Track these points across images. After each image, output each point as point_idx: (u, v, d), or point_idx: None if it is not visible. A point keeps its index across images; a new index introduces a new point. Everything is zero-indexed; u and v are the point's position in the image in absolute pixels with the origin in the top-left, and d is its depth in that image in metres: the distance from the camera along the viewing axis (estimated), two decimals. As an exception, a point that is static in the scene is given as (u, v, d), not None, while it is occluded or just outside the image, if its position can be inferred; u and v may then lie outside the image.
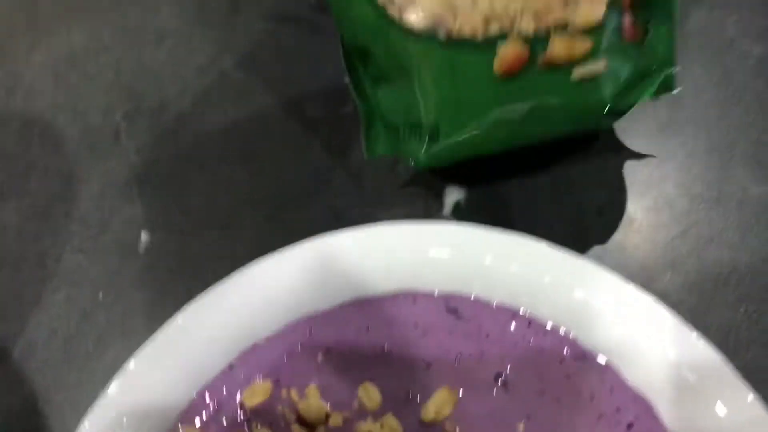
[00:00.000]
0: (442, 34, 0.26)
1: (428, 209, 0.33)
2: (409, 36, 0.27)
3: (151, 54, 0.42)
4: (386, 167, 0.34)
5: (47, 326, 0.33)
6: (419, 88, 0.28)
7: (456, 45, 0.26)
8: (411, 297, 0.26)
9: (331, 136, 0.36)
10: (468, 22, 0.26)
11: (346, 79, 0.38)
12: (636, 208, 0.32)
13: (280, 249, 0.26)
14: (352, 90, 0.30)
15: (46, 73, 0.43)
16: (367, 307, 0.26)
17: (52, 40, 0.44)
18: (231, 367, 0.25)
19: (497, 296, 0.25)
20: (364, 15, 0.27)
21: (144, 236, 0.34)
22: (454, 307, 0.25)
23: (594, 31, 0.26)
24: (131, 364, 0.24)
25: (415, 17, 0.26)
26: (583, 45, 0.26)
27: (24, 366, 0.32)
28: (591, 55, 0.26)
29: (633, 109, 0.28)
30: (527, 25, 0.26)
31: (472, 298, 0.25)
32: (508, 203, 0.32)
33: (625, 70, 0.27)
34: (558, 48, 0.26)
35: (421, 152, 0.28)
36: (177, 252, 0.34)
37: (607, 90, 0.27)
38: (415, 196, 0.33)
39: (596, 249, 0.31)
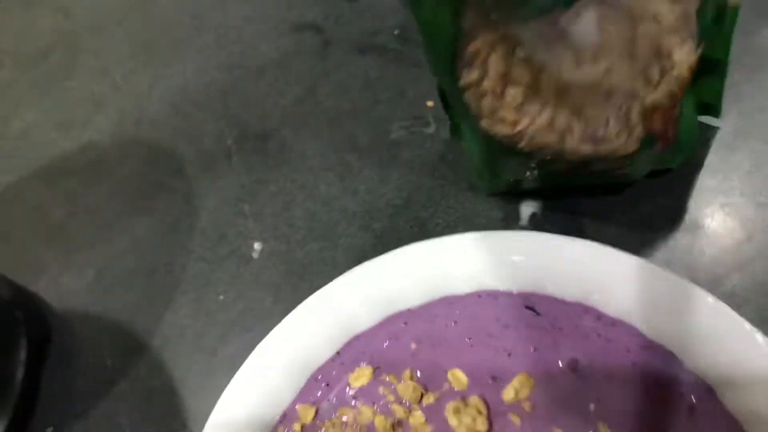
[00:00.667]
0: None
1: (507, 221, 0.36)
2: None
3: (254, 85, 0.48)
4: (467, 184, 0.38)
5: (178, 324, 0.38)
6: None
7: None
8: (493, 295, 0.29)
9: (414, 155, 0.40)
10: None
11: (428, 103, 0.42)
12: (702, 214, 0.34)
13: (378, 256, 0.31)
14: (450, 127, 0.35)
15: (165, 105, 0.49)
16: (454, 304, 0.29)
17: (169, 76, 0.51)
18: (338, 354, 0.30)
19: (570, 294, 0.28)
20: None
21: (257, 246, 0.40)
22: (531, 304, 0.29)
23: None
24: (253, 355, 0.29)
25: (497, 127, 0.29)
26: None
27: (162, 356, 0.37)
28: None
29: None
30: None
31: (547, 296, 0.28)
32: (580, 213, 0.35)
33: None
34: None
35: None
36: (285, 259, 0.39)
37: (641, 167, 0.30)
38: (495, 209, 0.37)
39: (664, 252, 0.33)
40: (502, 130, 0.28)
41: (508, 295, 0.29)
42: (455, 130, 0.37)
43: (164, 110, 0.49)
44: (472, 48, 0.26)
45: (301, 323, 0.30)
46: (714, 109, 0.32)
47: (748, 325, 0.24)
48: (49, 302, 0.42)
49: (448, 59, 0.26)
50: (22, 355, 0.37)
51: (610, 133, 0.27)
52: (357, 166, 0.41)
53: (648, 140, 0.27)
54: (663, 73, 0.26)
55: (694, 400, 0.25)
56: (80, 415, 0.37)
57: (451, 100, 0.31)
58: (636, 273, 0.27)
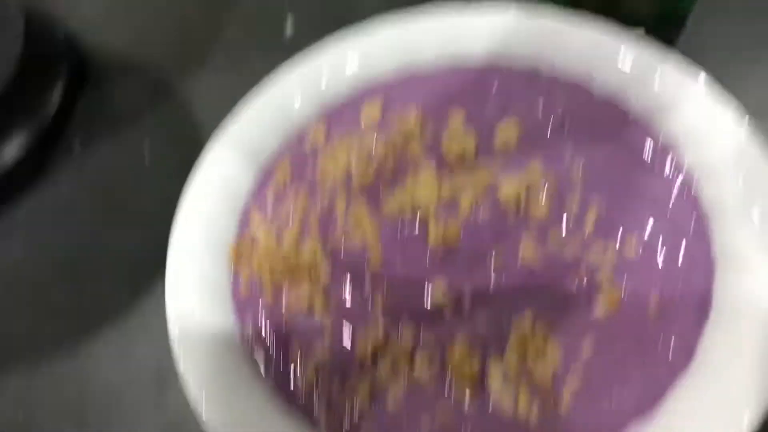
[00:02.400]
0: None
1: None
2: None
3: None
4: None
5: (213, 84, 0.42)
6: None
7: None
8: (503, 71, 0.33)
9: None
10: None
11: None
12: None
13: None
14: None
15: None
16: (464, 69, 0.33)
17: None
18: (352, 98, 0.33)
19: (574, 68, 0.31)
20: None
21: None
22: (536, 71, 0.32)
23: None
24: (275, 79, 0.33)
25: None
26: None
27: (191, 99, 0.41)
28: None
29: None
30: None
31: (552, 66, 0.32)
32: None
33: None
34: None
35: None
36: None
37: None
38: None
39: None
40: None
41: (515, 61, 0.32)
42: None
43: None
44: None
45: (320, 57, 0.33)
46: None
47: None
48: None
49: None
50: (63, 76, 0.41)
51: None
52: None
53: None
54: None
55: (659, 162, 0.28)
56: (107, 137, 0.41)
57: None
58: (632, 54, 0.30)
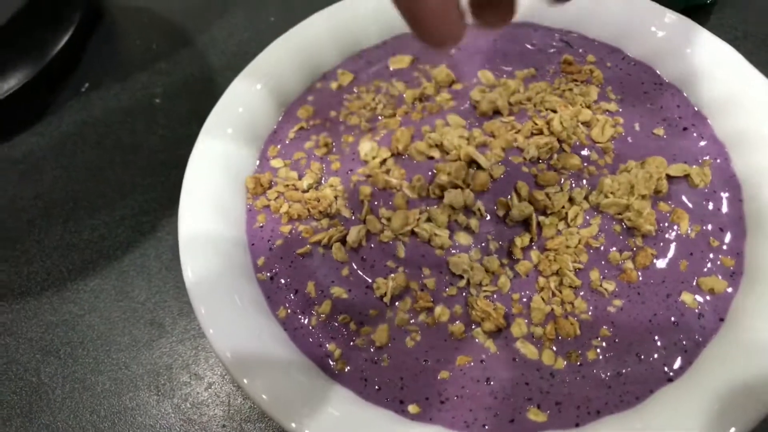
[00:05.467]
0: None
1: None
2: None
3: None
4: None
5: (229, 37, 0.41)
6: None
7: None
8: (532, 27, 0.32)
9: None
10: None
11: None
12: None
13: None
14: None
15: None
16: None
17: None
18: (384, 43, 0.32)
19: (602, 36, 0.31)
20: None
21: None
22: (566, 39, 0.32)
23: None
24: (302, 24, 0.32)
25: None
26: None
27: (208, 49, 0.40)
28: None
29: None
30: None
31: (581, 34, 0.31)
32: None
33: None
34: None
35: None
36: None
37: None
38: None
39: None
40: None
41: (547, 29, 0.32)
42: None
43: None
44: None
45: (354, 5, 0.32)
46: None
47: (745, 62, 0.27)
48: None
49: None
50: (76, 14, 0.40)
51: None
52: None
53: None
54: None
55: (687, 125, 0.28)
56: (118, 79, 0.39)
57: None
58: (661, 21, 0.30)
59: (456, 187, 0.26)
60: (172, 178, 0.35)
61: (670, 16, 0.30)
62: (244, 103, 0.29)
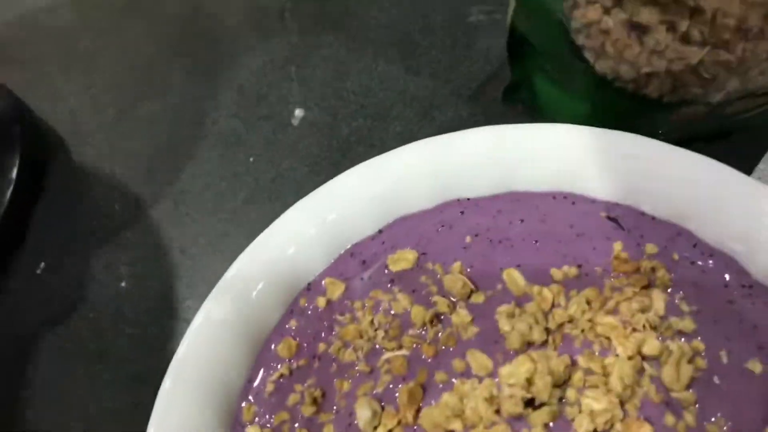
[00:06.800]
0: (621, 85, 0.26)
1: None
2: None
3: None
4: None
5: (200, 181, 0.35)
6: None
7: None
8: (570, 199, 0.25)
9: (491, 44, 0.35)
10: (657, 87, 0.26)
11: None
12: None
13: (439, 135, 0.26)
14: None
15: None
16: (522, 201, 0.25)
17: None
18: (380, 232, 0.26)
19: (662, 211, 0.24)
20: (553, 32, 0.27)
21: (298, 112, 0.36)
22: (615, 215, 0.24)
23: None
24: (281, 219, 0.25)
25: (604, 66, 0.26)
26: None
27: (177, 211, 0.34)
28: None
29: None
30: None
31: (634, 209, 0.24)
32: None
33: None
34: None
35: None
36: (329, 133, 0.35)
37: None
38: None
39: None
40: (626, 71, 0.25)
41: (588, 201, 0.25)
42: (514, 89, 0.32)
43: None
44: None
45: (341, 192, 0.26)
46: None
47: None
48: (61, 135, 0.38)
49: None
50: (14, 173, 0.34)
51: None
52: (424, 45, 0.36)
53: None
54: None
55: (796, 355, 0.21)
56: (78, 255, 0.33)
57: (543, 41, 0.27)
58: (749, 196, 0.22)
59: (486, 495, 0.19)
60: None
61: (766, 190, 0.22)
62: (209, 347, 0.23)
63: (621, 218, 0.24)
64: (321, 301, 0.25)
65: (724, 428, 0.20)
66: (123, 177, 0.35)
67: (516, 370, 0.20)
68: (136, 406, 0.29)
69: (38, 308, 0.32)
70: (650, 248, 0.23)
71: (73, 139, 0.37)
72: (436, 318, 0.23)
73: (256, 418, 0.23)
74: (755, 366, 0.21)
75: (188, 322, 0.25)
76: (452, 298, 0.24)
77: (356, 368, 0.23)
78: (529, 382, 0.20)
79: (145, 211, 0.34)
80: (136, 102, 0.38)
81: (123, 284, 0.32)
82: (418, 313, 0.23)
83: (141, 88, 0.38)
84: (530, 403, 0.20)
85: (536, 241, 0.24)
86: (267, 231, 0.25)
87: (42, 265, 0.33)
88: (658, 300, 0.22)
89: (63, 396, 0.29)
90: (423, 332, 0.23)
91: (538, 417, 0.20)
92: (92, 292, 0.32)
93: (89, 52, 0.41)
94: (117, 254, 0.33)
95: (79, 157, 0.36)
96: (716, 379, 0.21)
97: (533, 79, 0.31)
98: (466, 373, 0.22)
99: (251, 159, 0.34)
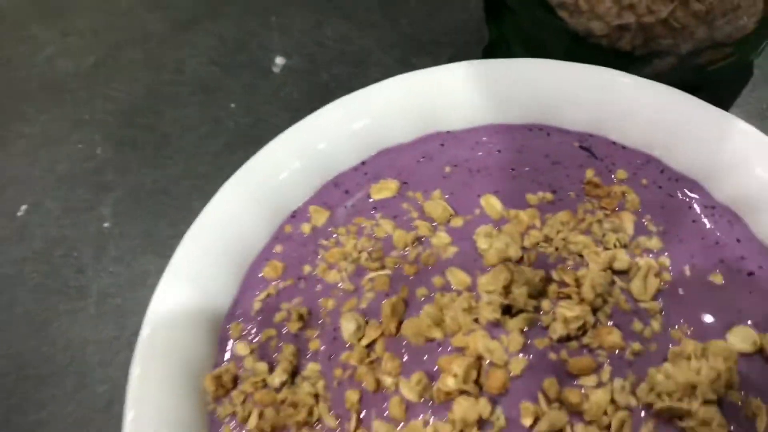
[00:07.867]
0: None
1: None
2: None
3: None
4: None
5: (181, 124, 0.35)
6: None
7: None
8: (545, 130, 0.26)
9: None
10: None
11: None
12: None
13: (424, 69, 0.27)
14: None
15: None
16: (501, 133, 0.26)
17: None
18: (363, 163, 0.26)
19: (632, 140, 0.25)
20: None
21: (278, 60, 0.36)
22: (587, 145, 0.25)
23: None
24: (262, 152, 0.26)
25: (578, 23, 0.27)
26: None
27: (158, 152, 0.34)
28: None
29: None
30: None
31: (606, 139, 0.25)
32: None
33: None
34: None
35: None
36: (308, 79, 0.35)
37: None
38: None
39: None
40: (599, 27, 0.26)
41: (562, 132, 0.26)
42: (495, 46, 0.33)
43: None
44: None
45: (323, 125, 0.26)
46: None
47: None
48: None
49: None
50: None
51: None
52: (404, -7, 0.37)
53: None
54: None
55: (754, 268, 0.22)
56: (60, 196, 0.33)
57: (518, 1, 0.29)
58: (713, 124, 0.24)
59: (465, 393, 0.20)
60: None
61: (728, 119, 0.23)
62: (195, 270, 0.24)
63: (593, 147, 0.25)
64: (306, 228, 0.25)
65: (687, 333, 0.21)
66: (104, 119, 0.35)
67: (494, 278, 0.21)
68: (117, 338, 0.29)
69: (19, 247, 0.32)
70: (621, 174, 0.25)
71: (52, 82, 0.37)
72: (417, 240, 0.24)
73: (243, 334, 0.24)
74: (716, 278, 0.22)
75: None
76: (433, 223, 0.25)
77: (340, 287, 0.24)
78: (506, 290, 0.21)
79: (127, 155, 0.34)
80: (115, 50, 0.38)
81: (106, 225, 0.32)
82: (399, 236, 0.24)
83: (119, 34, 0.38)
84: (507, 311, 0.21)
85: (513, 169, 0.25)
86: (252, 160, 0.26)
87: (23, 207, 0.33)
88: (628, 221, 0.24)
89: (46, 327, 0.29)
90: (405, 253, 0.24)
91: (515, 323, 0.21)
92: (74, 232, 0.32)
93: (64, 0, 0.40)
94: (99, 196, 0.33)
95: (59, 103, 0.36)
96: (681, 291, 0.22)
97: (509, 44, 0.32)
98: (446, 288, 0.23)
99: (232, 105, 0.35)
